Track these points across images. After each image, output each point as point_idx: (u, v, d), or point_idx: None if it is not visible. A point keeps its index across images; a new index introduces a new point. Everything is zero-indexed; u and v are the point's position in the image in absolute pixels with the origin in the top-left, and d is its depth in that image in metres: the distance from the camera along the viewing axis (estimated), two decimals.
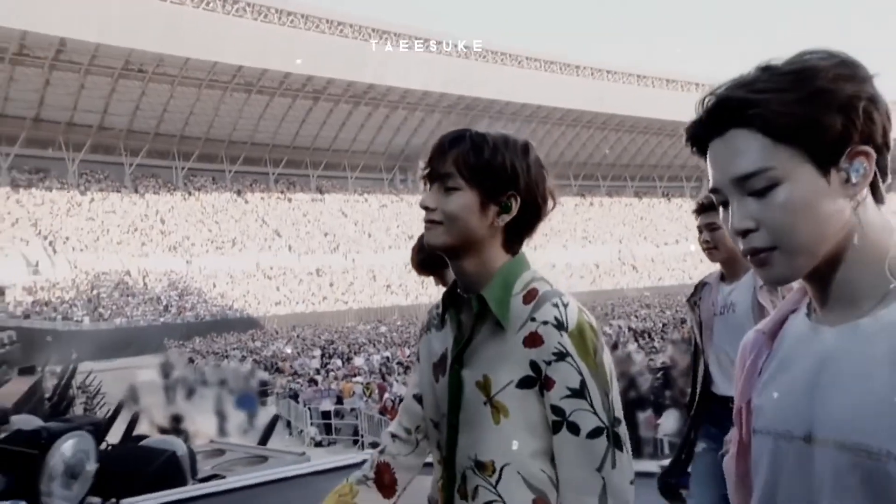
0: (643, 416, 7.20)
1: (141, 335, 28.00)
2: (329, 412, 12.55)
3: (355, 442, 11.78)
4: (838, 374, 0.62)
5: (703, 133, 0.67)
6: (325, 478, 3.15)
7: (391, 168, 54.84)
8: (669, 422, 6.95)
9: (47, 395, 11.60)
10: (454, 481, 1.02)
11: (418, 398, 1.14)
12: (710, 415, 2.02)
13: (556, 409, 0.93)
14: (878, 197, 0.65)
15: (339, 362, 18.09)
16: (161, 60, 40.15)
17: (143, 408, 8.99)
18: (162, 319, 32.51)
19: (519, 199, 1.00)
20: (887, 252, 0.64)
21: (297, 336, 27.09)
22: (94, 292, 34.00)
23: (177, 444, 3.65)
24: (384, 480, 1.15)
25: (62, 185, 42.53)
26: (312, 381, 14.62)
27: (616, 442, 0.93)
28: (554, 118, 55.69)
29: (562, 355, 0.93)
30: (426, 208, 1.01)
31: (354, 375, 14.94)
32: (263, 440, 6.90)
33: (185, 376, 14.27)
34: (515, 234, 1.03)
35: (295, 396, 13.53)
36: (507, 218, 1.00)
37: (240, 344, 25.12)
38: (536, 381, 0.94)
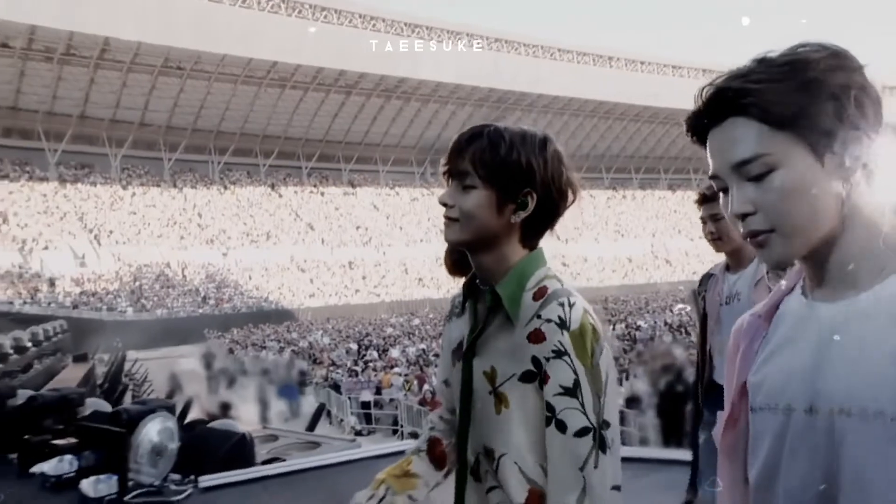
0: (688, 409, 7.18)
1: (182, 325, 28.66)
2: (368, 402, 12.77)
3: (394, 432, 11.98)
4: (839, 346, 0.65)
5: (702, 122, 0.71)
6: (375, 463, 3.24)
7: (422, 161, 54.72)
8: None
9: (98, 382, 12.07)
10: (466, 465, 1.06)
11: (448, 383, 1.18)
12: (715, 405, 2.09)
13: (548, 406, 0.95)
14: (870, 180, 0.67)
15: (374, 354, 18.36)
16: (198, 58, 40.95)
17: (191, 395, 9.32)
18: (201, 310, 33.14)
19: (535, 196, 1.01)
20: (882, 231, 0.67)
21: (333, 328, 27.39)
22: (137, 284, 34.92)
23: (242, 428, 3.85)
24: (436, 452, 1.20)
25: (105, 179, 43.63)
26: (352, 372, 14.84)
27: (601, 444, 0.93)
28: (586, 110, 54.96)
29: (560, 353, 0.95)
30: (444, 205, 1.04)
31: (392, 367, 15.14)
32: (311, 427, 7.10)
33: (227, 366, 14.63)
34: (533, 230, 1.04)
35: (335, 386, 13.76)
36: (523, 215, 1.02)
37: (276, 335, 25.41)
38: (536, 376, 0.97)
